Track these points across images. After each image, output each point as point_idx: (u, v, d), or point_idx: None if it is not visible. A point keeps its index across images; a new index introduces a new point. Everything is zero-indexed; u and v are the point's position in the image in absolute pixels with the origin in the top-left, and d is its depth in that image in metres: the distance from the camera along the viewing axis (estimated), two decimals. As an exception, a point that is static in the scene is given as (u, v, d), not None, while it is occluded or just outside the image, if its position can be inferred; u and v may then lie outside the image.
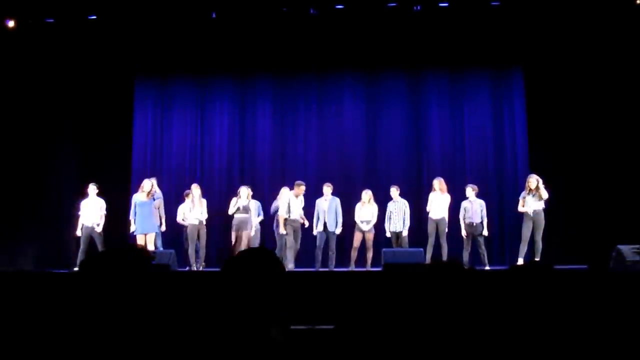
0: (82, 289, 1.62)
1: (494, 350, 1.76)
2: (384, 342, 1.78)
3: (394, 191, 9.24)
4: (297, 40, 10.26)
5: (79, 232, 8.95)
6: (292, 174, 10.43)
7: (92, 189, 9.04)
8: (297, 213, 9.01)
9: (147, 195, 8.76)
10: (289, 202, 8.93)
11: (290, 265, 8.56)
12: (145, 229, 8.69)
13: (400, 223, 9.08)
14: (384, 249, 8.63)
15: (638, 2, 9.04)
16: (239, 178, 10.52)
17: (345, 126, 10.76)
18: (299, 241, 9.09)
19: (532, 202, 8.60)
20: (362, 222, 9.00)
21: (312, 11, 9.61)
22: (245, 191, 9.12)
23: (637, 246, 7.62)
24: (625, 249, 7.68)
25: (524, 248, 8.62)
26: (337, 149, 10.67)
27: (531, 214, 8.57)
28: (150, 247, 8.61)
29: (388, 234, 9.16)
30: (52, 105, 10.14)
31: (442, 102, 10.66)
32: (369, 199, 9.07)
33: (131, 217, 8.88)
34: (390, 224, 9.14)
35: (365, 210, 9.05)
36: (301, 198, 9.12)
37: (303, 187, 9.12)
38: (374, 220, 9.06)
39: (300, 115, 10.87)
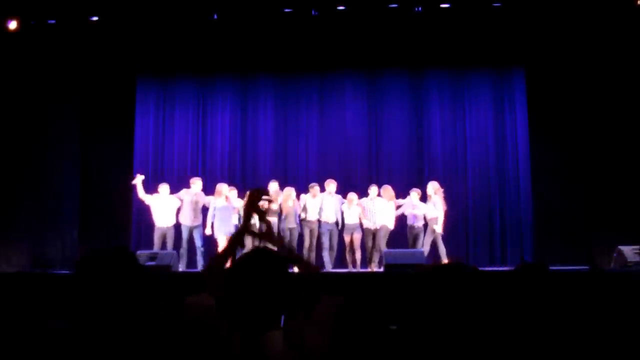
0: (77, 290, 1.65)
1: (493, 352, 1.76)
2: (388, 342, 1.79)
3: (374, 190, 9.22)
4: (299, 40, 10.25)
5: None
6: (294, 173, 10.46)
7: (165, 189, 9.26)
8: (314, 213, 9.07)
9: (225, 199, 9.06)
10: (305, 202, 9.05)
11: None
12: (227, 231, 8.91)
13: (374, 221, 9.05)
14: (384, 250, 8.63)
15: (639, 2, 9.03)
16: (240, 177, 10.54)
17: (346, 126, 10.76)
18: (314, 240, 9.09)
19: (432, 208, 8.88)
20: (347, 223, 9.08)
21: (313, 12, 9.61)
22: None
23: (638, 247, 7.62)
24: (627, 250, 7.67)
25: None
26: (338, 149, 10.68)
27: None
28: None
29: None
30: (54, 105, 10.17)
31: (443, 102, 10.66)
32: (352, 201, 9.09)
33: (209, 220, 9.08)
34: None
35: (350, 212, 9.09)
36: (320, 198, 9.11)
37: (312, 188, 9.16)
38: (358, 220, 9.08)
39: (302, 115, 10.88)
